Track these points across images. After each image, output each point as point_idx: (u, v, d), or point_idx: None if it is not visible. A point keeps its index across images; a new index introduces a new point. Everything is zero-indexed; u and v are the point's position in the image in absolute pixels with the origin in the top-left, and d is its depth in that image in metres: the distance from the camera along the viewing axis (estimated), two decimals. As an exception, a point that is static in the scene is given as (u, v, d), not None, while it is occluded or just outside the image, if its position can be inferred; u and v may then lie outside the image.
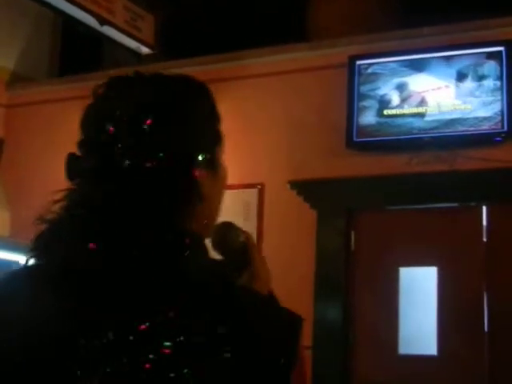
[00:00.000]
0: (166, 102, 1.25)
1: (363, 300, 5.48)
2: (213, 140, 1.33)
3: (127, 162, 1.19)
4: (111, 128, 1.21)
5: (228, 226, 1.45)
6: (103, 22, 5.96)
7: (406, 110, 5.42)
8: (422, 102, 5.39)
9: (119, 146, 1.20)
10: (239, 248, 1.43)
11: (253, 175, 5.86)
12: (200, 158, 1.26)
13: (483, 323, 5.16)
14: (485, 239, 5.29)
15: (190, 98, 1.28)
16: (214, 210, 1.33)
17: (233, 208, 5.86)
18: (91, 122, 1.25)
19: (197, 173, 1.24)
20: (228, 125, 5.50)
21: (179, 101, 1.26)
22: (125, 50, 6.42)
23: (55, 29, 7.18)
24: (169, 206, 1.20)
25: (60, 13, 5.97)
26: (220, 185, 1.34)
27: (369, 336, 5.44)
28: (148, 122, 1.20)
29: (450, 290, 5.32)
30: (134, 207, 1.18)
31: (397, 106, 5.45)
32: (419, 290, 5.40)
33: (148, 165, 1.19)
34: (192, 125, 1.26)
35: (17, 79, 6.57)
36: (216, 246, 1.42)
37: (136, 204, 1.18)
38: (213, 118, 1.34)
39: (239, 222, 5.47)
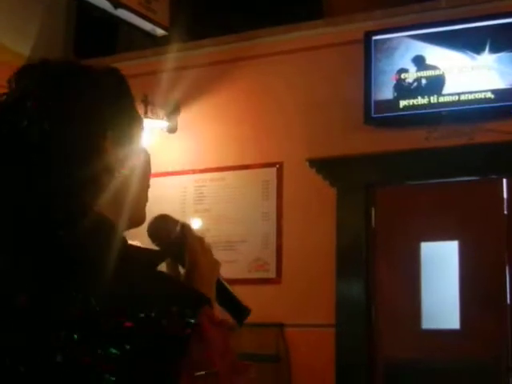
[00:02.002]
0: (49, 85, 1.28)
1: (385, 276, 5.48)
2: (124, 119, 1.34)
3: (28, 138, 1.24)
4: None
5: (163, 217, 1.48)
6: (117, 4, 5.95)
7: (424, 84, 5.39)
8: (439, 76, 5.36)
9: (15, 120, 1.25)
10: (175, 239, 1.45)
11: (271, 154, 5.86)
12: (109, 133, 1.28)
13: (505, 296, 5.15)
14: (506, 212, 5.26)
15: (82, 83, 1.31)
16: (129, 192, 1.33)
17: (252, 188, 5.87)
18: None
19: (106, 146, 1.27)
20: (245, 104, 5.48)
21: (66, 84, 1.29)
22: (140, 32, 6.41)
23: (69, 13, 7.17)
24: (73, 174, 1.24)
25: (74, -3, 5.98)
26: (132, 163, 1.34)
27: (391, 312, 5.45)
28: (33, 104, 1.25)
29: (472, 263, 5.31)
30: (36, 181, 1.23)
31: (414, 81, 5.42)
32: (441, 264, 5.39)
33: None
34: (87, 103, 1.28)
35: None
36: (152, 239, 1.45)
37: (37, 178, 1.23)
38: (122, 98, 1.35)
39: (258, 202, 5.46)
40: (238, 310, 1.54)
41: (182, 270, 1.47)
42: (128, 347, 1.11)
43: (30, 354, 1.13)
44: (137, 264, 1.24)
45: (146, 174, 1.40)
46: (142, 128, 1.40)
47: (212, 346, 1.16)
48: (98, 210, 1.26)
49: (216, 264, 1.48)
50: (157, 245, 1.46)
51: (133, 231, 1.39)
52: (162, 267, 1.48)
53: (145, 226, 1.46)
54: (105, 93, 1.32)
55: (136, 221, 1.39)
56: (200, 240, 1.48)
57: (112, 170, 1.28)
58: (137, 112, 1.39)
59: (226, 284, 1.52)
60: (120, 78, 1.38)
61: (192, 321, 1.15)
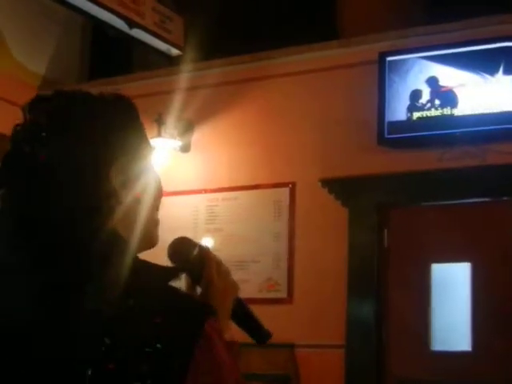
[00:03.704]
0: (60, 115, 1.32)
1: (396, 297, 5.47)
2: (133, 146, 1.37)
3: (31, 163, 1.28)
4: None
5: (182, 240, 1.55)
6: (132, 24, 6.00)
7: (437, 105, 5.39)
8: (453, 97, 5.36)
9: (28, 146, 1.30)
10: (193, 260, 1.52)
11: (284, 174, 5.87)
12: (116, 160, 1.31)
13: (518, 318, 5.13)
14: (518, 234, 5.25)
15: (91, 113, 1.34)
16: (135, 211, 1.36)
17: (264, 207, 5.88)
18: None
19: (110, 173, 1.30)
20: (258, 124, 5.49)
21: (75, 114, 1.33)
22: (155, 52, 6.45)
23: (85, 33, 7.23)
24: (80, 202, 1.27)
25: (89, 16, 6.01)
26: (141, 187, 1.37)
27: (402, 333, 5.43)
28: (44, 135, 1.29)
29: (484, 285, 5.29)
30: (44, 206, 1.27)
31: (427, 102, 5.43)
32: (452, 286, 5.38)
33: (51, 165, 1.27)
34: (95, 132, 1.32)
35: (48, 84, 6.62)
36: (171, 260, 1.52)
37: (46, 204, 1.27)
38: (130, 126, 1.39)
39: (270, 222, 5.43)
40: (258, 333, 1.58)
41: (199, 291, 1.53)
42: (137, 357, 1.15)
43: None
44: (148, 278, 1.27)
45: (156, 197, 1.43)
46: (152, 152, 1.43)
47: (218, 353, 1.20)
48: (112, 228, 1.29)
49: (233, 286, 1.54)
50: (176, 265, 1.51)
51: (153, 253, 1.42)
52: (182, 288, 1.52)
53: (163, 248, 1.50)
54: (113, 121, 1.35)
55: (149, 242, 1.41)
56: (217, 263, 1.53)
57: (118, 196, 1.31)
58: (145, 137, 1.42)
59: (246, 306, 1.58)
60: (129, 106, 1.41)
61: (197, 328, 1.19)
